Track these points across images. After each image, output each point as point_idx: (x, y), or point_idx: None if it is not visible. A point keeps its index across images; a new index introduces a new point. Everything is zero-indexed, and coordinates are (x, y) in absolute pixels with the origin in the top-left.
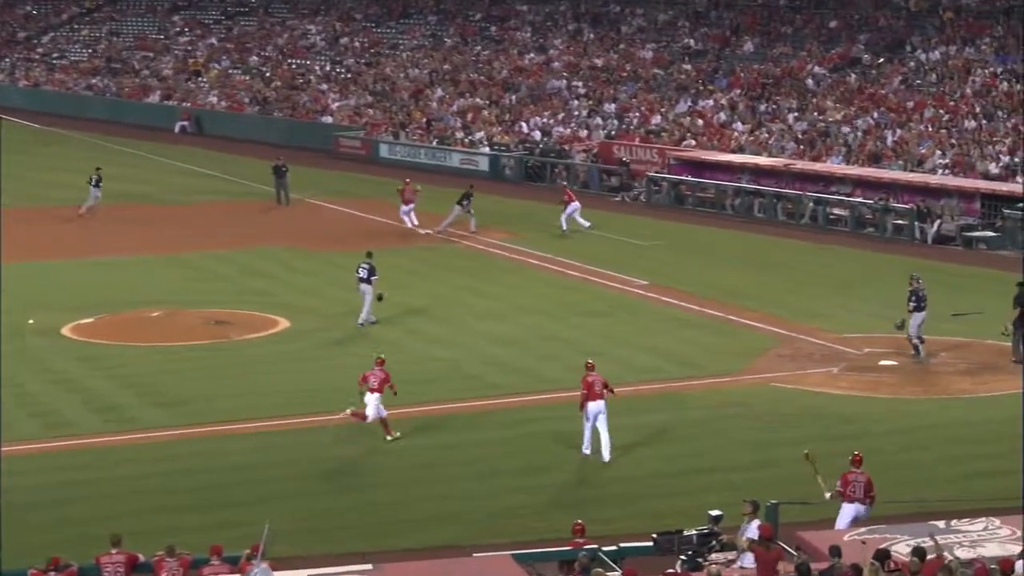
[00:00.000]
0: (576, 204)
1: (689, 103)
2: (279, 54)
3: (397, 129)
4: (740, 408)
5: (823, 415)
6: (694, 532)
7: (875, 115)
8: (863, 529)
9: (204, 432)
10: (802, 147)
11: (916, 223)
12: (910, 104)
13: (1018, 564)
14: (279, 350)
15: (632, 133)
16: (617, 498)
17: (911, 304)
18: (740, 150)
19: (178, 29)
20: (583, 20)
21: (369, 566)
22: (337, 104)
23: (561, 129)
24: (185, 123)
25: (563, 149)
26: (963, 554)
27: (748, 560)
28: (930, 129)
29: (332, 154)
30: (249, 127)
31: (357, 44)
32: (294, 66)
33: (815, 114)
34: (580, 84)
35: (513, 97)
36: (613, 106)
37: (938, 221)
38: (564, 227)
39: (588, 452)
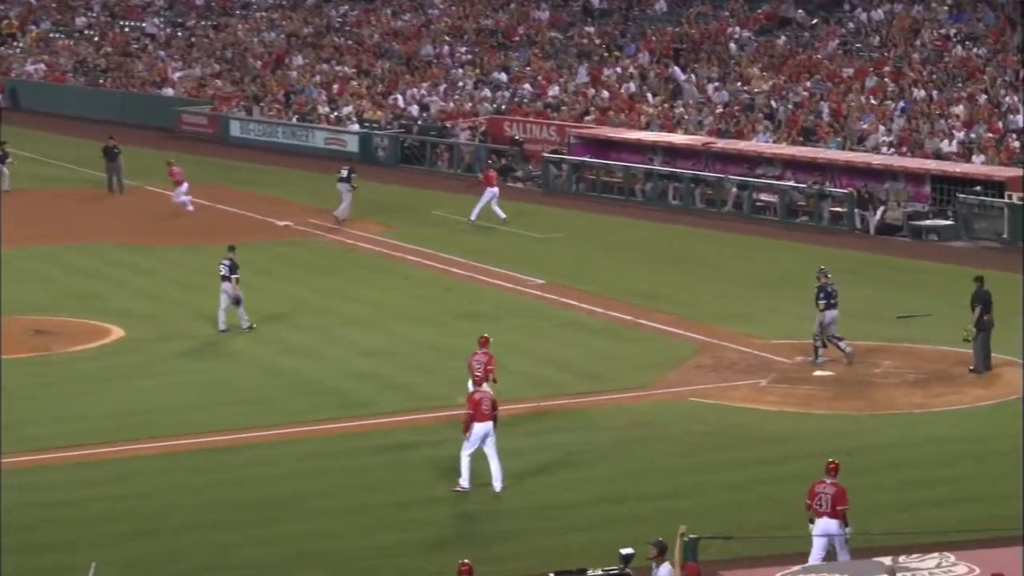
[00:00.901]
0: (494, 190)
1: (591, 72)
2: (109, 14)
3: (250, 103)
4: (652, 428)
5: (749, 436)
6: (599, 572)
7: (808, 85)
8: (797, 568)
9: (13, 463)
10: (723, 123)
11: (856, 210)
12: (849, 72)
13: None
14: (110, 364)
15: (526, 107)
16: (510, 534)
17: (821, 303)
18: (651, 127)
19: None
20: None
21: None
22: (179, 74)
23: (442, 103)
24: None
25: (445, 126)
26: None
27: None
28: (872, 101)
29: (173, 132)
30: (74, 101)
31: (201, 2)
32: (127, 28)
33: (738, 84)
34: (464, 50)
35: (386, 65)
36: (503, 76)
37: (882, 208)
38: (473, 218)
39: (467, 486)
